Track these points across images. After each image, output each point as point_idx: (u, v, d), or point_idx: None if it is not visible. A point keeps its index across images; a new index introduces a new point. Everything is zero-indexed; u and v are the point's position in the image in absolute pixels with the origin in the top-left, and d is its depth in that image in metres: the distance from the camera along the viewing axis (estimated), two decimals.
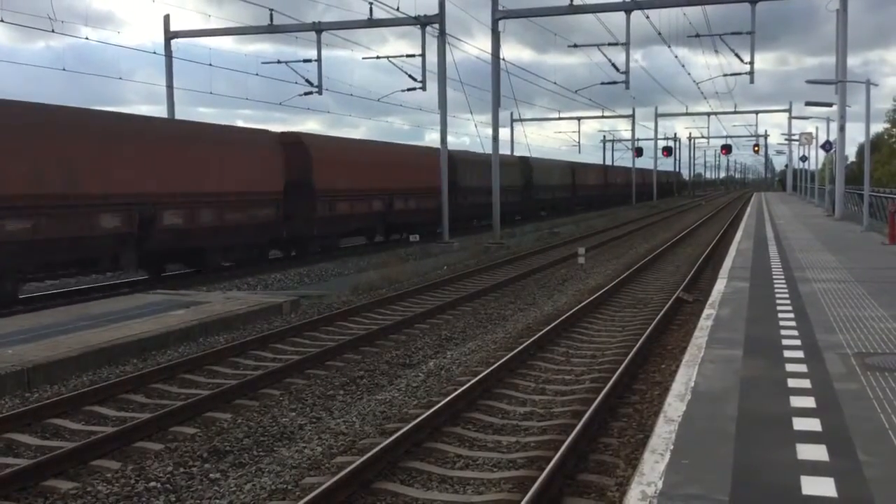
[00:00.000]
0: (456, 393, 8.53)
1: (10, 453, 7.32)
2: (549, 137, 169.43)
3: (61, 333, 11.38)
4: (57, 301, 16.26)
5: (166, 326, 12.08)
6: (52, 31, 20.18)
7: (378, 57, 29.88)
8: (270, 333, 12.37)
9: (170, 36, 29.69)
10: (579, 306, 14.31)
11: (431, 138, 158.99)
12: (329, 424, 8.08)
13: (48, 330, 11.64)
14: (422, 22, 27.35)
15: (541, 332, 11.91)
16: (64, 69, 23.44)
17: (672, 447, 4.83)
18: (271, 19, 27.75)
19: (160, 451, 7.22)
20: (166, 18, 29.55)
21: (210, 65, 26.47)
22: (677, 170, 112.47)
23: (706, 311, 10.18)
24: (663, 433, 5.11)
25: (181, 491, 6.32)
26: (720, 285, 12.59)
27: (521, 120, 59.05)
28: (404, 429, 7.30)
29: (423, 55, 28.37)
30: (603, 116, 66.64)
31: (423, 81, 28.73)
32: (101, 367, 10.31)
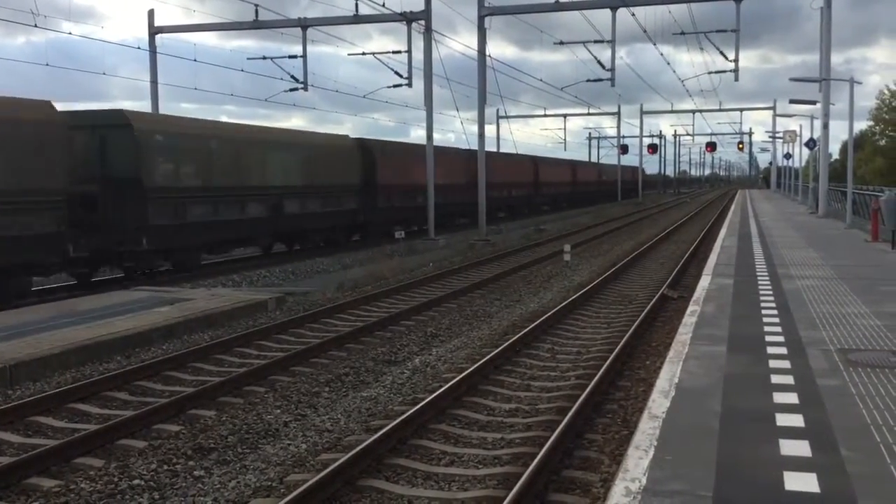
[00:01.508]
0: (441, 390, 8.53)
1: None
2: (534, 134, 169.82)
3: (45, 330, 11.30)
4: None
5: (150, 323, 12.02)
6: (35, 25, 19.99)
7: (364, 53, 29.88)
8: (255, 330, 12.32)
9: (154, 31, 29.51)
10: (565, 303, 14.33)
11: (417, 135, 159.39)
12: (314, 422, 8.07)
13: (32, 327, 11.55)
14: (408, 18, 27.29)
15: (526, 329, 11.93)
16: (48, 64, 23.18)
17: (656, 443, 4.85)
18: (256, 15, 27.64)
19: (144, 449, 7.18)
20: (151, 13, 29.36)
21: (195, 60, 26.31)
22: (662, 169, 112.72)
23: (690, 308, 10.23)
24: (647, 429, 5.13)
25: (165, 489, 6.29)
26: (704, 282, 12.65)
27: (507, 117, 59.18)
28: (389, 426, 7.29)
29: (409, 51, 28.34)
30: (589, 114, 66.76)
31: (409, 78, 28.70)
32: (84, 364, 10.25)
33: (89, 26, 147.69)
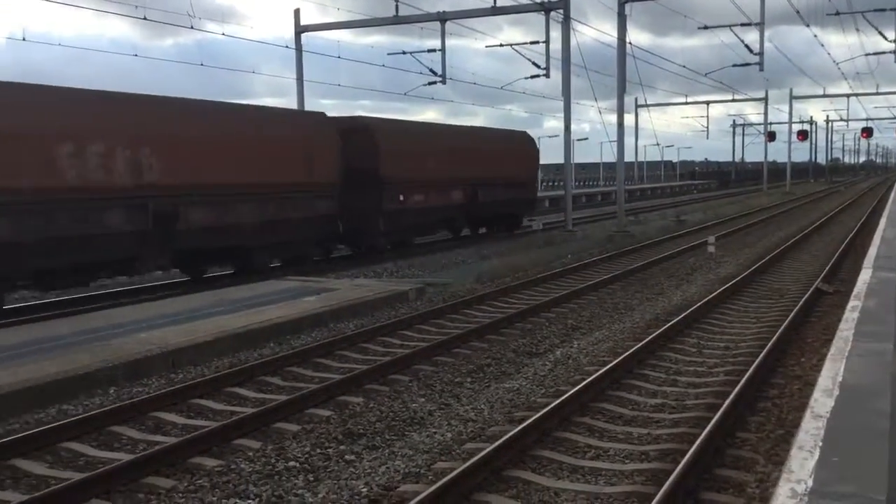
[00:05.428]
0: (584, 382, 8.45)
1: (159, 431, 7.72)
2: (672, 122, 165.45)
3: (203, 318, 11.93)
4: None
5: (299, 312, 12.48)
6: (191, 27, 21.09)
7: (501, 45, 29.77)
8: (398, 320, 12.58)
9: (300, 30, 30.55)
10: (710, 296, 13.89)
11: (550, 126, 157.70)
12: (458, 411, 8.16)
13: (193, 314, 12.22)
14: (546, 7, 27.06)
15: (670, 323, 11.64)
16: (202, 64, 24.54)
17: (821, 444, 4.60)
18: (396, 10, 28.12)
19: (297, 433, 7.47)
20: (297, 13, 30.39)
21: (339, 57, 27.10)
22: (812, 157, 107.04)
23: (851, 303, 9.64)
24: (811, 429, 4.87)
25: (318, 471, 6.52)
26: (865, 275, 11.90)
27: (646, 105, 57.80)
28: (533, 417, 7.28)
29: (546, 42, 28.08)
30: (733, 100, 64.25)
31: (547, 68, 28.45)
32: (240, 350, 10.75)
33: (233, 26, 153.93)
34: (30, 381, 8.43)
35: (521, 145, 29.60)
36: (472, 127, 30.57)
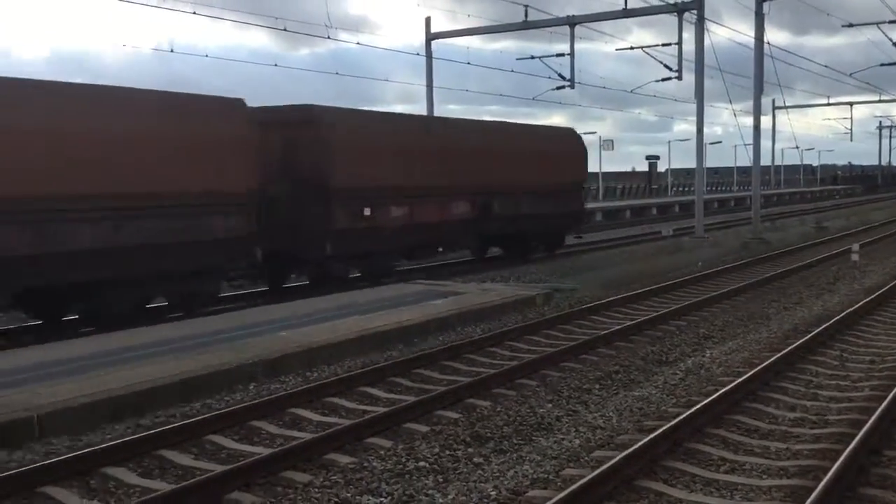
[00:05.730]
0: (718, 393, 8.21)
1: (295, 427, 8.02)
2: (812, 124, 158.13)
3: (336, 318, 12.31)
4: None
5: (427, 315, 12.68)
6: (328, 37, 21.76)
7: (632, 48, 29.26)
8: (525, 325, 12.57)
9: (431, 37, 31.02)
10: (854, 307, 13.21)
11: (680, 129, 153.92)
12: (586, 418, 8.09)
13: (325, 314, 12.62)
14: (679, 9, 26.42)
15: (811, 334, 11.15)
16: (337, 73, 25.31)
17: None
18: (526, 16, 28.11)
19: (427, 433, 7.59)
20: (427, 21, 30.88)
21: (468, 63, 27.35)
22: None
23: None
24: None
25: (448, 472, 6.61)
26: None
27: (784, 107, 55.60)
28: (664, 427, 7.14)
29: (679, 43, 27.37)
30: (880, 101, 60.80)
31: (679, 70, 27.74)
32: (370, 351, 11.02)
33: (366, 35, 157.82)
34: (175, 376, 8.94)
35: (561, 145, 23.88)
36: (486, 121, 25.13)
